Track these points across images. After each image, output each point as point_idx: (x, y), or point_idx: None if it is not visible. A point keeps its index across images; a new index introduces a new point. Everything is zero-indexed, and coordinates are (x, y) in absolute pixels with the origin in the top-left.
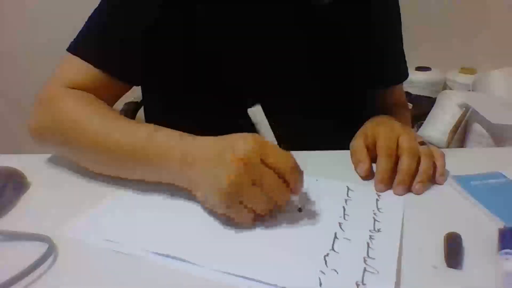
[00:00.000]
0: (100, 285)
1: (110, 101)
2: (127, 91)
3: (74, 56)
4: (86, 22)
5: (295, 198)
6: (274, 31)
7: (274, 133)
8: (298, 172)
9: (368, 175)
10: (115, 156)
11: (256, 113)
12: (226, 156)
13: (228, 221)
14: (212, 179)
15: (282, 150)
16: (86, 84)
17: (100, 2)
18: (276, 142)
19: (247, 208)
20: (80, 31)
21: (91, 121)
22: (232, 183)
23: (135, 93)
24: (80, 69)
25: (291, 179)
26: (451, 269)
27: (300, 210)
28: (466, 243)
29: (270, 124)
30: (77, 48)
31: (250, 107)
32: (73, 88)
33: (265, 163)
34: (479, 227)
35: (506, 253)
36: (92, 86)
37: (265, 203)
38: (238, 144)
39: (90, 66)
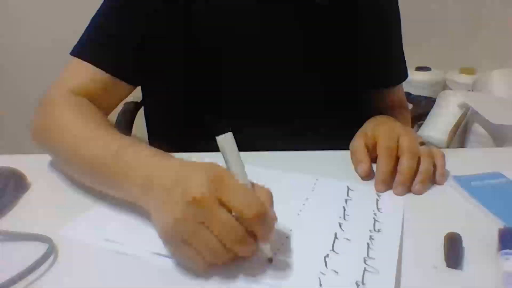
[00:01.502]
0: (100, 285)
1: (113, 103)
2: (130, 92)
3: (77, 59)
4: (88, 24)
5: (264, 247)
6: (273, 31)
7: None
8: (266, 220)
9: (368, 176)
10: (85, 165)
11: (225, 141)
12: (179, 190)
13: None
14: (159, 212)
15: (249, 192)
16: (90, 87)
17: (101, 4)
18: (246, 176)
19: (196, 252)
20: (82, 34)
21: (72, 129)
22: (175, 221)
23: (135, 93)
24: (84, 72)
25: (255, 228)
26: (451, 269)
27: (270, 260)
28: (466, 243)
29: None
30: (80, 51)
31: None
32: (77, 91)
33: (224, 206)
34: (479, 227)
35: (506, 253)
36: (95, 88)
37: (219, 251)
38: (195, 178)
39: (93, 69)
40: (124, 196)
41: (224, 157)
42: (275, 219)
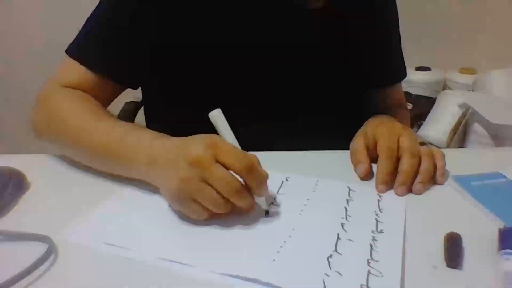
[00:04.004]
0: (100, 285)
1: (106, 101)
2: (122, 91)
3: (71, 58)
4: (84, 24)
5: (260, 201)
6: (275, 29)
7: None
8: (256, 173)
9: (367, 176)
10: (92, 153)
11: (216, 116)
12: (181, 158)
13: (185, 217)
14: (166, 179)
15: (240, 151)
16: (82, 85)
17: (98, 4)
18: (237, 144)
19: (200, 205)
20: (78, 34)
21: (74, 118)
22: (181, 182)
23: (135, 93)
24: (77, 71)
25: (248, 180)
26: (451, 269)
27: (267, 213)
28: (466, 243)
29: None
30: (74, 50)
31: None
32: (70, 87)
33: (220, 163)
34: (479, 227)
35: (506, 253)
36: (87, 87)
37: (219, 202)
38: (192, 146)
39: (86, 69)
40: (131, 175)
41: (217, 129)
42: (266, 175)
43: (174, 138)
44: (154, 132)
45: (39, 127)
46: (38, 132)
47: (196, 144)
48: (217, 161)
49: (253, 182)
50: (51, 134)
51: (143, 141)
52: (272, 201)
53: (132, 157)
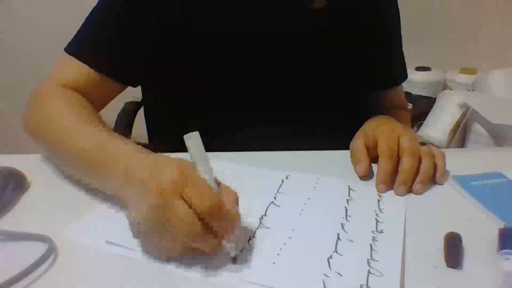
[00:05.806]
0: (100, 285)
1: (103, 101)
2: (121, 91)
3: (70, 56)
4: (83, 22)
5: (228, 245)
6: (273, 31)
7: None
8: (220, 216)
9: (367, 175)
10: (72, 158)
11: (191, 140)
12: (151, 182)
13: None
14: (135, 205)
15: (207, 186)
16: (80, 83)
17: (97, 3)
18: (211, 175)
19: (158, 245)
20: (77, 32)
21: (62, 119)
22: (144, 215)
23: (135, 93)
24: (75, 69)
25: (210, 223)
26: (451, 269)
27: (234, 260)
28: (466, 243)
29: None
30: (72, 48)
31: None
32: (67, 85)
33: (184, 199)
34: (479, 227)
35: (506, 253)
36: (85, 85)
37: (177, 244)
38: (164, 172)
39: (85, 67)
40: (107, 188)
41: (190, 155)
42: (237, 218)
43: (152, 154)
44: (135, 144)
45: (28, 125)
46: (27, 129)
47: (167, 170)
48: (181, 196)
49: (217, 225)
50: (38, 132)
51: (122, 150)
52: (244, 246)
53: (110, 166)
